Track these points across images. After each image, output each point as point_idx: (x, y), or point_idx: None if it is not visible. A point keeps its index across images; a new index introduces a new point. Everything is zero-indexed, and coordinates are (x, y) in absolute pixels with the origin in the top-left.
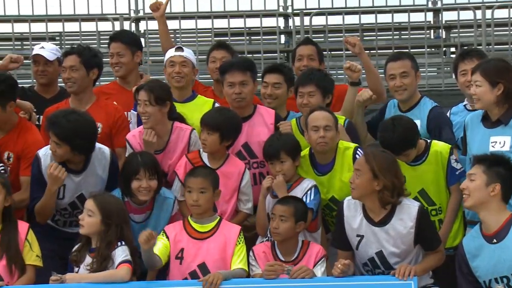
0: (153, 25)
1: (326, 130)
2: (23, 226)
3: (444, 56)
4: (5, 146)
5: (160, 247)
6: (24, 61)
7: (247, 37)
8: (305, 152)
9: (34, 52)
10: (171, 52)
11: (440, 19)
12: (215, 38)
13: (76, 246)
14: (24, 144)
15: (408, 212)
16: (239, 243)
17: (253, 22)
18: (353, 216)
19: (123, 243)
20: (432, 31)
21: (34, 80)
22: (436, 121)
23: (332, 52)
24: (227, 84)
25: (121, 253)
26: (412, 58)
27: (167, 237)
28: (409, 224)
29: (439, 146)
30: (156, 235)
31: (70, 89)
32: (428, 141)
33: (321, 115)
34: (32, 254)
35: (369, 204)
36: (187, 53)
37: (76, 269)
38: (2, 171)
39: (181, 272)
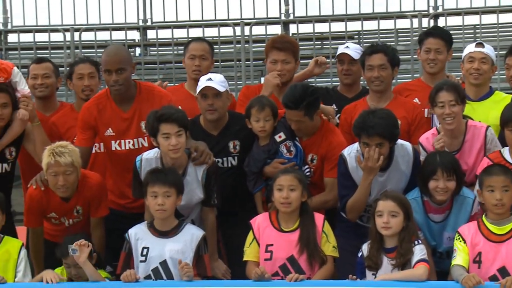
0: (452, 21)
1: None
2: (319, 218)
3: None
4: (309, 149)
5: (463, 256)
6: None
7: None
8: None
9: (339, 51)
10: (471, 48)
11: None
12: None
13: (367, 249)
14: (328, 146)
15: None
16: None
17: None
18: None
19: (420, 242)
20: None
21: (333, 79)
22: None
23: None
24: None
25: (418, 251)
26: None
27: (464, 240)
28: None
29: None
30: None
31: (377, 88)
32: None
33: None
34: (329, 245)
35: None
36: (488, 49)
37: (370, 273)
38: (308, 173)
39: (480, 276)
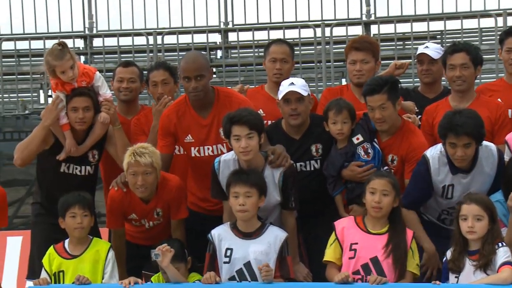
0: None
1: None
2: (408, 233)
3: None
4: (390, 149)
5: None
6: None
7: None
8: None
9: (418, 51)
10: None
11: None
12: None
13: (451, 254)
14: (409, 147)
15: None
16: None
17: None
18: None
19: (504, 244)
20: None
21: (414, 79)
22: None
23: None
24: None
25: (502, 254)
26: None
27: None
28: None
29: None
30: None
31: (459, 87)
32: None
33: None
34: (413, 262)
35: None
36: None
37: (453, 275)
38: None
39: None
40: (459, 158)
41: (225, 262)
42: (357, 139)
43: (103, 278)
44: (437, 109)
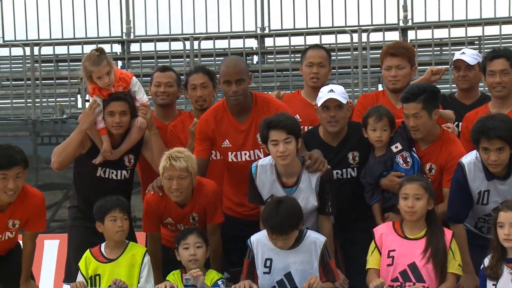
0: None
1: None
2: (448, 234)
3: None
4: (428, 158)
5: None
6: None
7: None
8: None
9: (455, 58)
10: None
11: None
12: None
13: (489, 261)
14: (448, 156)
15: None
16: None
17: None
18: None
19: None
20: None
21: (452, 85)
22: None
23: None
24: None
25: None
26: None
27: None
28: None
29: None
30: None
31: (499, 93)
32: None
33: None
34: (454, 263)
35: None
36: None
37: (490, 283)
38: None
39: None
40: (492, 163)
41: (265, 272)
42: (396, 147)
43: (138, 282)
44: (477, 115)
